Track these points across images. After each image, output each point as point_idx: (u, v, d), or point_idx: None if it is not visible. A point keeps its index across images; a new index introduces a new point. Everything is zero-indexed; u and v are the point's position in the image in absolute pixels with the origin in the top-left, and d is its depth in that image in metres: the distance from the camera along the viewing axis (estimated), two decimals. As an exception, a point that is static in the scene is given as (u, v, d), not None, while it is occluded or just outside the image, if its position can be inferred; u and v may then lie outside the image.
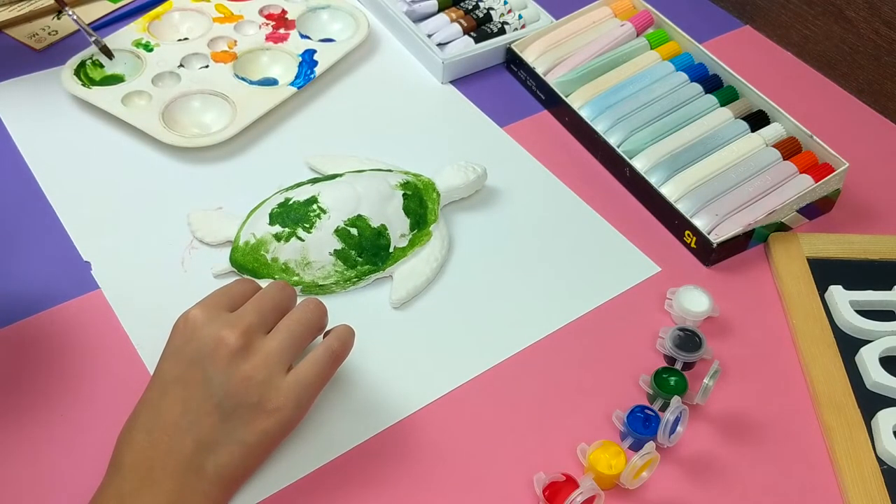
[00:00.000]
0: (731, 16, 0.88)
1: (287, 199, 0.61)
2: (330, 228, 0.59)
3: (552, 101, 0.74)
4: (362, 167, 0.65)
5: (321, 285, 0.58)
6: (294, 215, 0.59)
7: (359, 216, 0.59)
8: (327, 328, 0.51)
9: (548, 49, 0.77)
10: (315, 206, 0.59)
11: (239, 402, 0.46)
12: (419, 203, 0.62)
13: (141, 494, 0.43)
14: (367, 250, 0.59)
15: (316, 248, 0.58)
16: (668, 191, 0.65)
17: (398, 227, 0.60)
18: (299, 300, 0.51)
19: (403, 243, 0.60)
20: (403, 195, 0.61)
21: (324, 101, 0.74)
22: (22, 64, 0.75)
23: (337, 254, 0.58)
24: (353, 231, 0.59)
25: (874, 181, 0.70)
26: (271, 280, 0.57)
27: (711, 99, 0.72)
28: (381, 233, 0.60)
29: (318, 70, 0.75)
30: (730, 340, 0.58)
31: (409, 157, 0.69)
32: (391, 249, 0.60)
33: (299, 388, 0.47)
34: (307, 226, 0.59)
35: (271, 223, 0.59)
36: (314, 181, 0.64)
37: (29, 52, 0.77)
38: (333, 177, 0.64)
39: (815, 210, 0.66)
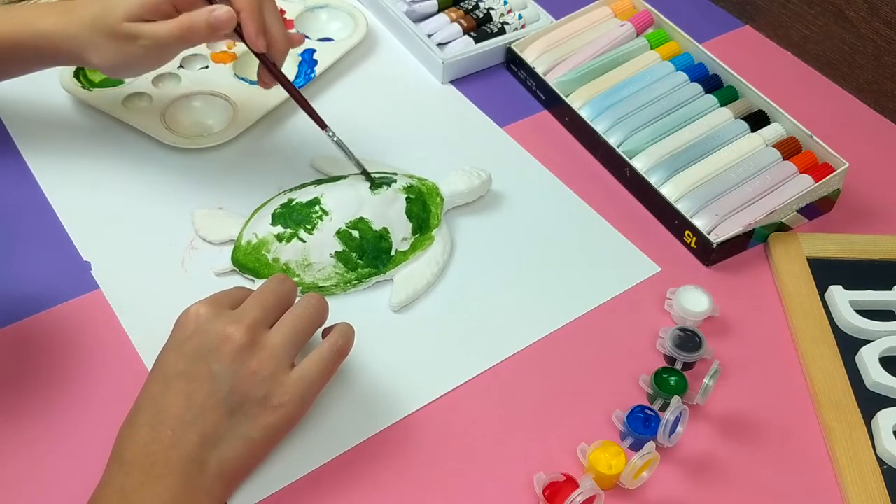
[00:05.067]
0: (731, 16, 0.88)
1: (290, 200, 0.61)
2: (331, 230, 0.59)
3: (552, 101, 0.74)
4: (367, 169, 0.65)
5: (321, 287, 0.58)
6: (296, 216, 0.59)
7: (361, 219, 0.59)
8: (326, 326, 0.51)
9: (548, 49, 0.77)
10: (317, 208, 0.59)
11: (245, 398, 0.46)
12: (422, 207, 0.62)
13: (144, 490, 0.43)
14: (368, 253, 0.59)
15: (317, 250, 0.58)
16: (668, 191, 0.65)
17: (400, 231, 0.60)
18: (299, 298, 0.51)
19: (405, 247, 0.60)
20: (406, 199, 0.61)
21: (324, 101, 0.74)
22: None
23: (338, 256, 0.58)
24: (355, 233, 0.59)
25: (874, 181, 0.70)
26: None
27: (711, 99, 0.72)
28: (383, 236, 0.60)
29: (318, 69, 0.75)
30: (730, 340, 0.58)
31: (409, 156, 0.69)
32: (392, 253, 0.60)
33: (304, 384, 0.47)
34: (309, 227, 0.59)
35: (273, 223, 0.59)
36: (318, 182, 0.64)
37: (29, 52, 0.77)
38: (337, 178, 0.64)
39: (815, 210, 0.66)
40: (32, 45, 0.58)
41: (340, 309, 0.56)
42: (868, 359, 0.56)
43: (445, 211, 0.64)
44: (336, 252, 0.59)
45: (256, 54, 0.60)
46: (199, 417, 0.45)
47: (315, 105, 0.63)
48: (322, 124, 0.62)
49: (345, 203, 0.60)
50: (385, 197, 0.61)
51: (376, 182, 0.62)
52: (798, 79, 0.81)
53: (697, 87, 0.73)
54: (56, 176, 0.66)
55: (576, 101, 0.72)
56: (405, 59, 0.80)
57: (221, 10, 0.56)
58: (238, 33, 0.58)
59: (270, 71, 0.61)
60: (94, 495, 0.44)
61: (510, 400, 0.54)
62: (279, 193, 0.64)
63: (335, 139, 0.62)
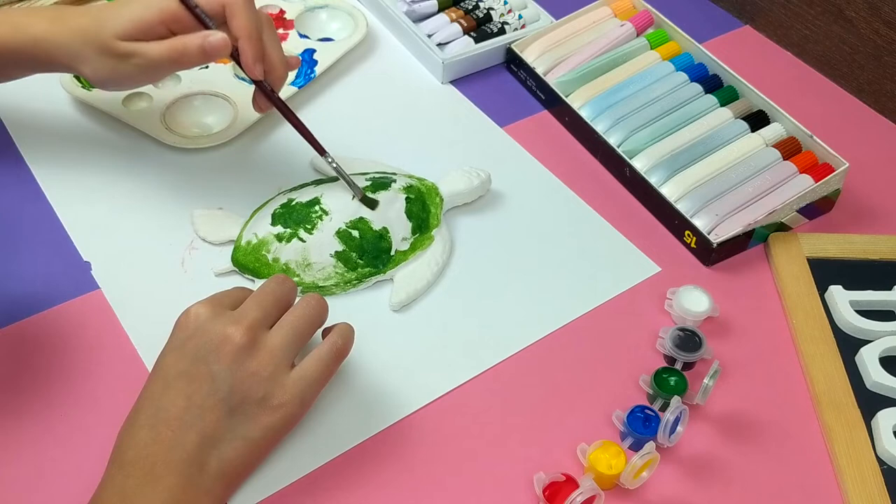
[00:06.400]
0: (731, 16, 0.88)
1: (290, 200, 0.61)
2: (331, 230, 0.59)
3: (552, 101, 0.74)
4: (367, 170, 0.65)
5: (321, 287, 0.58)
6: (296, 216, 0.59)
7: (360, 218, 0.59)
8: (326, 326, 0.51)
9: (548, 49, 0.77)
10: (317, 208, 0.59)
11: (244, 398, 0.46)
12: (422, 207, 0.62)
13: (144, 491, 0.43)
14: (368, 253, 0.59)
15: (317, 250, 0.58)
16: (668, 191, 0.65)
17: (400, 231, 0.60)
18: (298, 298, 0.51)
19: (405, 247, 0.60)
20: (406, 199, 0.61)
21: (324, 101, 0.74)
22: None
23: (338, 255, 0.58)
24: (355, 233, 0.59)
25: (874, 181, 0.70)
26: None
27: (711, 99, 0.72)
28: (383, 235, 0.60)
29: (318, 70, 0.75)
30: (730, 340, 0.58)
31: (409, 156, 0.69)
32: (392, 252, 0.60)
33: (304, 384, 0.47)
34: (308, 227, 0.59)
35: (273, 223, 0.59)
36: (318, 182, 0.64)
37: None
38: (337, 178, 0.64)
39: (815, 210, 0.66)
40: (25, 51, 0.57)
41: (340, 309, 0.56)
42: (868, 359, 0.56)
43: (445, 211, 0.64)
44: (336, 252, 0.59)
45: (253, 80, 0.58)
46: (199, 418, 0.45)
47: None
48: (321, 150, 0.60)
49: (344, 203, 0.60)
50: (385, 197, 0.61)
51: (374, 205, 0.60)
52: (798, 79, 0.81)
53: (697, 87, 0.73)
54: (56, 176, 0.66)
55: (576, 101, 0.72)
56: (405, 59, 0.80)
57: (216, 37, 0.54)
58: (234, 59, 0.56)
59: (268, 97, 0.59)
60: (94, 496, 0.44)
61: (510, 400, 0.54)
62: (279, 193, 0.64)
63: (334, 165, 0.60)
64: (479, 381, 0.55)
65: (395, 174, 0.64)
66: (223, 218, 0.62)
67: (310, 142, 0.61)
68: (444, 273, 0.61)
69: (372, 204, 0.60)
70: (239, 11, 0.55)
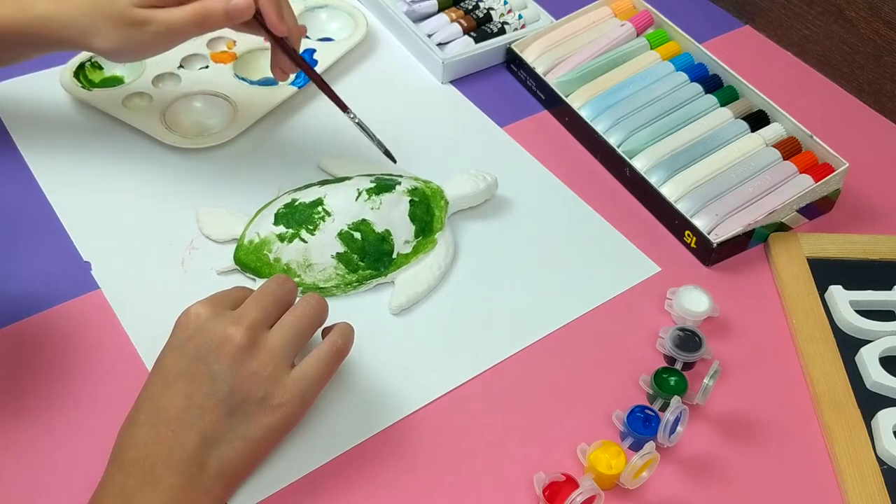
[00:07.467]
0: (731, 16, 0.88)
1: (293, 200, 0.61)
2: (333, 231, 0.59)
3: (552, 101, 0.74)
4: (370, 171, 0.65)
5: (322, 288, 0.58)
6: (298, 216, 0.59)
7: (363, 220, 0.59)
8: (326, 325, 0.51)
9: (548, 49, 0.77)
10: (320, 209, 0.59)
11: (245, 398, 0.46)
12: (426, 210, 0.62)
13: (144, 491, 0.43)
14: (369, 255, 0.59)
15: (318, 251, 0.58)
16: (668, 191, 0.65)
17: (403, 233, 0.60)
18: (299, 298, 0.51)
19: (407, 250, 0.60)
20: (410, 201, 0.61)
21: (324, 100, 0.74)
22: (22, 64, 0.75)
23: (339, 257, 0.58)
24: (357, 235, 0.59)
25: (874, 181, 0.70)
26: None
27: (711, 99, 0.72)
28: (385, 238, 0.59)
29: (317, 69, 0.75)
30: (730, 340, 0.58)
31: (408, 156, 0.69)
32: (394, 255, 0.60)
33: (304, 384, 0.47)
34: (311, 227, 0.59)
35: (276, 223, 0.59)
36: (322, 183, 0.64)
37: (29, 51, 0.77)
38: (342, 179, 0.64)
39: (815, 210, 0.66)
40: (30, 30, 0.56)
41: (340, 309, 0.56)
42: (868, 359, 0.56)
43: (450, 214, 0.64)
44: (337, 253, 0.58)
45: (275, 42, 0.59)
46: (199, 418, 0.45)
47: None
48: (343, 107, 0.63)
49: (348, 204, 0.60)
50: (388, 199, 0.61)
51: (392, 182, 0.61)
52: (798, 79, 0.81)
53: (697, 87, 0.73)
54: (56, 176, 0.66)
55: (576, 101, 0.72)
56: (405, 59, 0.80)
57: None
58: (258, 21, 0.58)
59: (290, 56, 0.60)
60: (94, 496, 0.44)
61: (510, 400, 0.54)
62: (283, 193, 0.64)
63: (356, 121, 0.62)
64: (479, 382, 0.55)
65: (400, 176, 0.64)
66: (228, 216, 0.62)
67: (333, 99, 0.63)
68: (446, 273, 0.61)
69: (394, 160, 0.63)
70: None
